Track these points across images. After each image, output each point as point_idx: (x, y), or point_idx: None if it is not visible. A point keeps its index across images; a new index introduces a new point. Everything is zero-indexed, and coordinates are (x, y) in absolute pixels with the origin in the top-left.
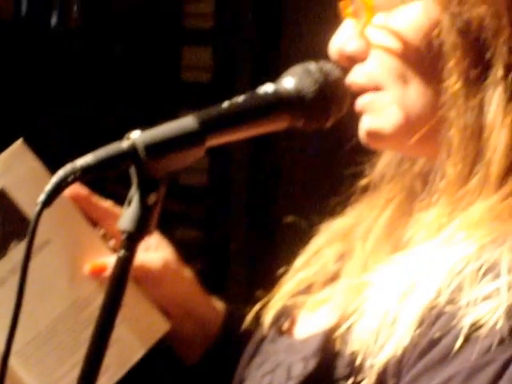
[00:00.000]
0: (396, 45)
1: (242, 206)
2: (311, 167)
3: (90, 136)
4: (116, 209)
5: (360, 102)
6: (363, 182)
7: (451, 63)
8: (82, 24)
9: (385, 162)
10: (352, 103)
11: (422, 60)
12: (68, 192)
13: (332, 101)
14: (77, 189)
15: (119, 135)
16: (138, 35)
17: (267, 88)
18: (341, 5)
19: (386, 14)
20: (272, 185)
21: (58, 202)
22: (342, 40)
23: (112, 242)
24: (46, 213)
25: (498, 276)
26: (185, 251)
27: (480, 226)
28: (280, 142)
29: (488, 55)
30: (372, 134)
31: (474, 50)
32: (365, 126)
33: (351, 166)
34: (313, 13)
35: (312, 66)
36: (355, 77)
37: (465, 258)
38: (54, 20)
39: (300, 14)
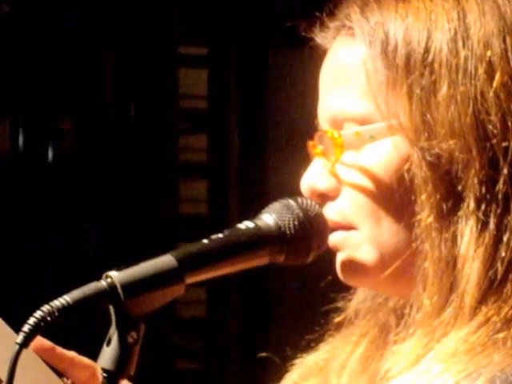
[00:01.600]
0: (366, 182)
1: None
2: (295, 302)
3: (85, 270)
4: (81, 358)
5: (332, 240)
6: (338, 318)
7: (423, 197)
8: (76, 153)
9: (359, 299)
10: None
11: (393, 195)
12: (32, 345)
13: (313, 236)
14: (39, 341)
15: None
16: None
17: (248, 224)
18: (309, 144)
19: (356, 151)
20: (263, 316)
21: (22, 354)
22: (312, 178)
23: None
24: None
25: None
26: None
27: (455, 359)
28: (274, 274)
29: (459, 188)
30: (347, 272)
31: (445, 183)
32: (339, 263)
33: (325, 303)
34: (297, 151)
35: (291, 201)
36: (328, 214)
37: None
38: (49, 155)
39: (284, 153)
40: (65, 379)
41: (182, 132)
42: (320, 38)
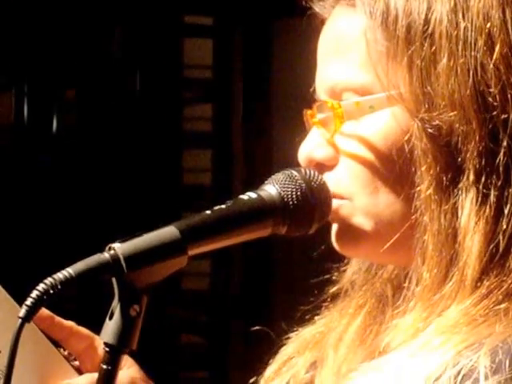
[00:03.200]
0: (364, 152)
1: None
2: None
3: (88, 242)
4: (79, 328)
5: None
6: (333, 289)
7: (423, 168)
8: (79, 127)
9: (354, 269)
10: None
11: (393, 166)
12: None
13: (315, 207)
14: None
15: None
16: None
17: (250, 195)
18: (308, 114)
19: (355, 121)
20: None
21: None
22: (310, 147)
23: (76, 363)
24: (8, 338)
25: (476, 382)
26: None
27: (456, 331)
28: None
29: (459, 160)
30: (341, 242)
31: (445, 155)
32: (334, 233)
33: (320, 274)
34: (300, 121)
35: (295, 172)
36: None
37: (442, 365)
38: (53, 125)
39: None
40: (61, 349)
41: (186, 102)
42: (318, 6)
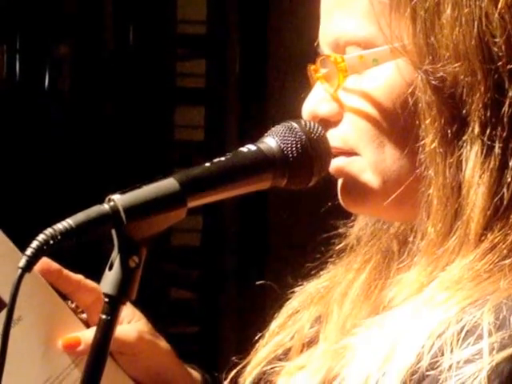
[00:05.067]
0: (369, 106)
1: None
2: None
3: (84, 194)
4: (87, 281)
5: (334, 165)
6: (339, 245)
7: (427, 121)
8: (72, 83)
9: (360, 225)
10: None
11: (397, 120)
12: (38, 267)
13: (315, 159)
14: (46, 263)
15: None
16: (130, 94)
17: (250, 147)
18: (311, 69)
19: (358, 75)
20: (261, 243)
21: (27, 277)
22: (313, 103)
23: (84, 315)
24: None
25: (479, 338)
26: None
27: (460, 286)
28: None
29: (464, 112)
30: (349, 198)
31: (450, 108)
32: (341, 190)
33: (325, 230)
34: (297, 77)
35: (295, 124)
36: (329, 140)
37: (445, 321)
38: (46, 81)
39: (284, 79)
40: (69, 302)
41: (180, 58)
42: None
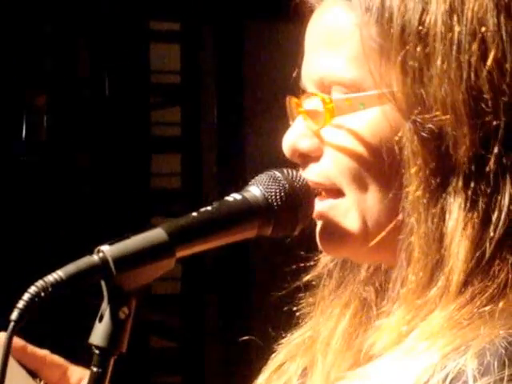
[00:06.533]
0: (353, 145)
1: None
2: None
3: (62, 248)
4: (53, 357)
5: (319, 208)
6: (307, 277)
7: (412, 170)
8: (48, 133)
9: (328, 258)
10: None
11: (381, 163)
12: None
13: (299, 207)
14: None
15: (91, 247)
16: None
17: (235, 196)
18: (293, 103)
19: (345, 117)
20: (243, 294)
21: None
22: (294, 138)
23: None
24: None
25: None
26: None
27: (440, 334)
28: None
29: (449, 164)
30: (328, 242)
31: (436, 158)
32: (320, 233)
33: (294, 263)
34: (273, 118)
35: (277, 173)
36: (309, 175)
37: (429, 368)
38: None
39: (261, 122)
40: (38, 380)
41: (154, 106)
42: None
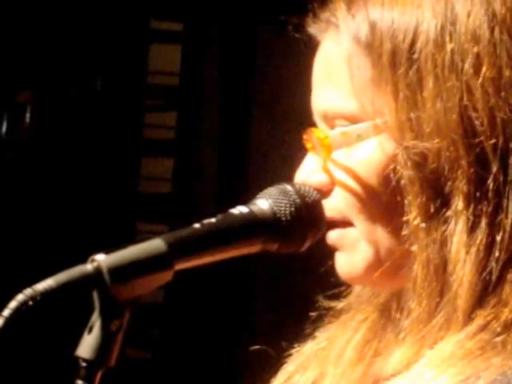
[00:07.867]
0: (353, 182)
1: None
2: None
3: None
4: None
5: (330, 238)
6: (340, 304)
7: (409, 197)
8: (37, 131)
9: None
10: None
11: (380, 196)
12: None
13: (309, 224)
14: None
15: (79, 254)
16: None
17: (241, 209)
18: (304, 139)
19: (347, 148)
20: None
21: None
22: (306, 173)
23: None
24: None
25: None
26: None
27: (450, 363)
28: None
29: (447, 187)
30: (345, 271)
31: (432, 183)
32: (338, 263)
33: (324, 289)
34: (280, 142)
35: (289, 187)
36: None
37: None
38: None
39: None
40: None
41: (149, 109)
42: (313, 29)
